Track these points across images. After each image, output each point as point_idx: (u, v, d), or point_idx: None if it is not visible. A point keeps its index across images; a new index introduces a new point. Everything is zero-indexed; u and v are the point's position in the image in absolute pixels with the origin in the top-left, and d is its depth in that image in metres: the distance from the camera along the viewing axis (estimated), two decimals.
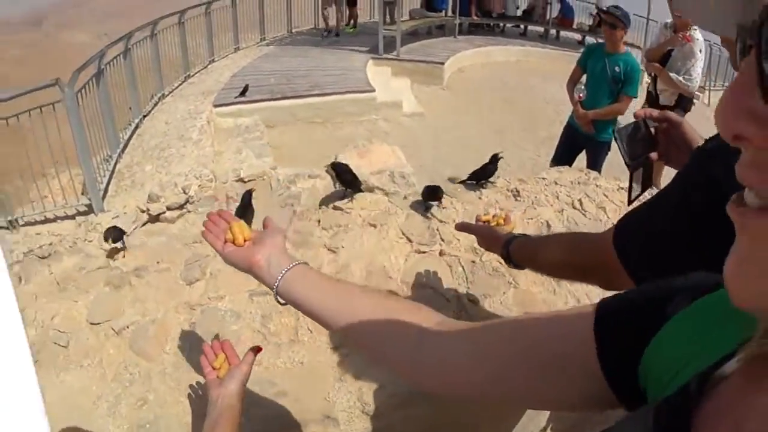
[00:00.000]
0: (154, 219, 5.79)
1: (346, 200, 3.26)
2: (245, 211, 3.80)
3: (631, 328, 0.69)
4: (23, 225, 6.07)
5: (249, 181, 6.43)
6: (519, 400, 0.63)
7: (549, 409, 0.68)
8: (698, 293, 0.65)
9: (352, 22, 15.43)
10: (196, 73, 11.37)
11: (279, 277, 1.11)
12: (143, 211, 5.77)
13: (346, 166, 4.07)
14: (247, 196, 3.90)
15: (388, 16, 13.29)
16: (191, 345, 2.26)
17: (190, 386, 2.12)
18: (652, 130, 1.59)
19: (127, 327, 2.35)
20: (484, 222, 2.43)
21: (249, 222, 3.59)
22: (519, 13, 17.34)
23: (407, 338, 0.91)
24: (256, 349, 1.54)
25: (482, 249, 2.88)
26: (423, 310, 0.97)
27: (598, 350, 0.71)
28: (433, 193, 3.18)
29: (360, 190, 3.62)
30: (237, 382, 1.44)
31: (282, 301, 1.14)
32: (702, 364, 0.56)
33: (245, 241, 1.22)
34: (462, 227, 2.05)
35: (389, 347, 0.95)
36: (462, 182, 3.86)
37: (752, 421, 0.46)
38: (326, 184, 6.07)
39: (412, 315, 0.94)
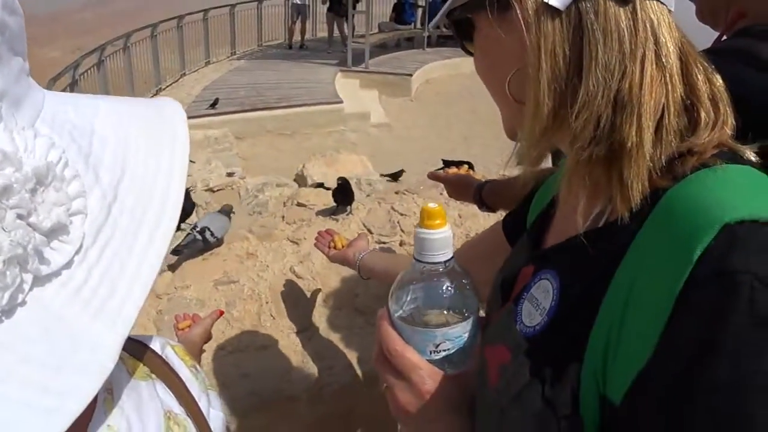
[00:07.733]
0: None
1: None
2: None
3: (523, 204, 1.00)
4: None
5: (218, 190, 6.48)
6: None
7: None
8: None
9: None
10: (167, 86, 11.39)
11: (357, 260, 1.60)
12: None
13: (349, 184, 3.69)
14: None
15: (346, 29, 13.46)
16: (157, 331, 2.35)
17: None
18: None
19: None
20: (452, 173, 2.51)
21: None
22: None
23: None
24: (219, 311, 1.83)
25: None
26: None
27: (504, 233, 1.06)
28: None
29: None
30: (200, 327, 1.68)
31: (364, 277, 1.65)
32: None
33: (342, 246, 1.75)
34: (433, 176, 2.10)
35: None
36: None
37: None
38: (293, 192, 6.14)
39: None
